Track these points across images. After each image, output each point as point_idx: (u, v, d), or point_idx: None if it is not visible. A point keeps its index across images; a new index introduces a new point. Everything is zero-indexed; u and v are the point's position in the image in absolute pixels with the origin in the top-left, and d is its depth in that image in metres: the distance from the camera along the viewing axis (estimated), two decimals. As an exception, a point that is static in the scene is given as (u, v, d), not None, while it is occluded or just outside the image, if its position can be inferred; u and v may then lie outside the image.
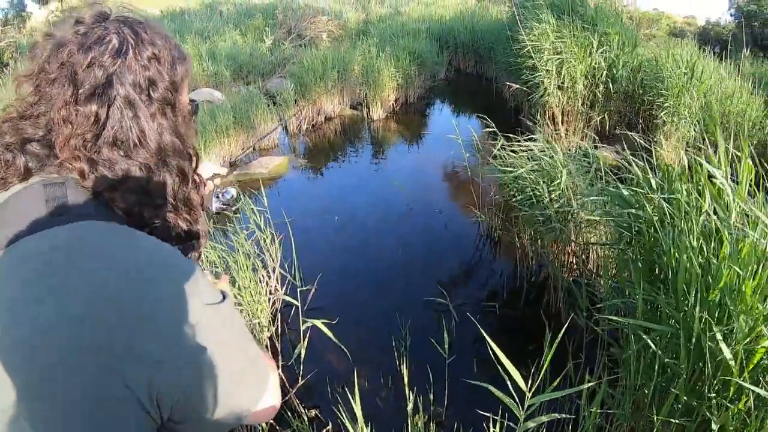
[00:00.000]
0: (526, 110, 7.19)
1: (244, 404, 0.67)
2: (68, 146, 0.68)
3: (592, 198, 2.94)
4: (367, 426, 1.80)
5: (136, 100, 0.70)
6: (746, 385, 1.50)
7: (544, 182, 3.40)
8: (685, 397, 1.72)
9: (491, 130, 4.09)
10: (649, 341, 1.83)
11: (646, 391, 1.93)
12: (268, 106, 7.33)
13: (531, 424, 1.61)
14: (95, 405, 0.54)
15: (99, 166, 0.68)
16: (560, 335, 1.55)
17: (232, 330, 0.67)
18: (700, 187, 2.19)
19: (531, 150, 3.72)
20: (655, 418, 1.79)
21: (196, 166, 0.82)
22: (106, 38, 0.70)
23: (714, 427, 1.63)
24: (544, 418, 1.63)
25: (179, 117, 0.78)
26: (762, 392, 1.46)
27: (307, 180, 6.37)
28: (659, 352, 1.80)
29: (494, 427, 1.78)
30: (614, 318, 2.18)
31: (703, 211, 2.04)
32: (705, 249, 1.92)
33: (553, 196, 3.33)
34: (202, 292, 0.64)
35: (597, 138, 5.90)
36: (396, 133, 8.15)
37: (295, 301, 2.75)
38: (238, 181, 6.12)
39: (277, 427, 2.48)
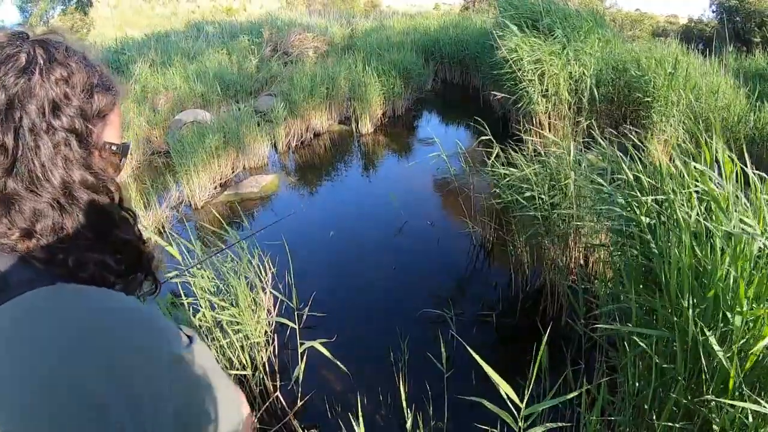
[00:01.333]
0: (514, 118, 7.23)
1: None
2: None
3: (596, 207, 2.94)
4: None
5: (37, 127, 0.62)
6: (737, 403, 1.49)
7: (548, 184, 3.39)
8: (684, 401, 1.71)
9: (483, 138, 4.10)
10: (645, 347, 1.82)
11: (646, 395, 1.92)
12: (258, 124, 7.33)
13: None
14: None
15: (11, 208, 0.62)
16: (544, 345, 1.54)
17: (203, 371, 0.65)
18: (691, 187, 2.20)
19: (537, 153, 3.72)
20: (656, 423, 1.78)
21: (121, 201, 0.73)
22: (14, 56, 0.63)
23: (715, 428, 1.62)
24: (543, 429, 1.62)
25: (93, 151, 0.69)
26: (753, 407, 1.45)
27: (298, 197, 6.37)
28: (656, 357, 1.79)
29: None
30: (609, 326, 2.18)
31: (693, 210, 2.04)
32: (697, 250, 1.92)
33: (555, 199, 3.32)
34: (169, 343, 0.62)
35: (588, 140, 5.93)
36: (385, 146, 8.18)
37: (293, 324, 2.73)
38: (229, 201, 6.11)
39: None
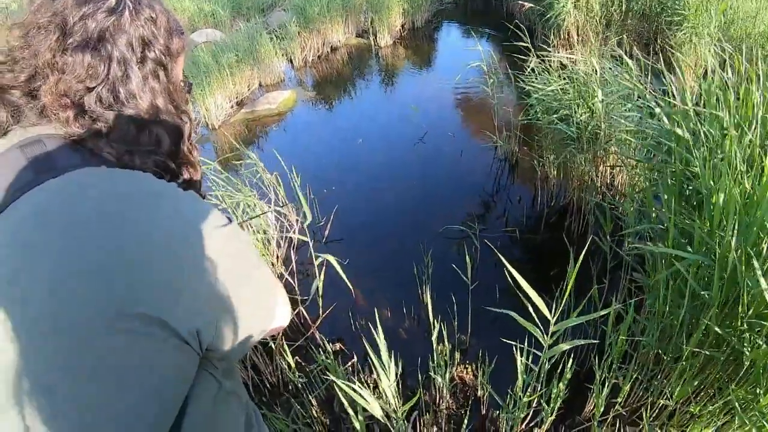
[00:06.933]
0: (540, 31, 6.87)
1: (261, 325, 0.72)
2: (54, 93, 0.67)
3: (627, 115, 2.79)
4: (391, 356, 1.79)
5: (128, 60, 0.70)
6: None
7: (576, 102, 3.21)
8: (716, 329, 1.65)
9: (508, 51, 3.90)
10: (682, 270, 1.75)
11: (674, 318, 1.87)
12: (271, 40, 7.09)
13: (555, 352, 1.59)
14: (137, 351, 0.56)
15: (86, 115, 0.68)
16: (581, 258, 1.49)
17: (243, 251, 0.70)
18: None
19: (564, 67, 3.51)
20: (684, 347, 1.74)
21: (191, 132, 0.81)
22: None
23: (745, 360, 1.58)
24: (567, 346, 1.59)
25: (172, 85, 0.77)
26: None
27: (316, 112, 6.24)
28: (691, 281, 1.72)
29: (520, 355, 1.76)
30: (644, 246, 2.10)
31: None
32: (745, 175, 1.81)
33: (583, 116, 3.16)
34: (211, 218, 0.66)
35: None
36: (404, 59, 7.89)
37: (305, 238, 2.70)
38: (246, 119, 6.01)
39: (303, 363, 2.50)
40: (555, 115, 3.32)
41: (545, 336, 1.54)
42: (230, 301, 0.64)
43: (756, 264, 1.49)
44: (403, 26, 8.87)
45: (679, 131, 2.10)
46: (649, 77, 2.84)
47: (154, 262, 0.58)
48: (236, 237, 0.69)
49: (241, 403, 0.78)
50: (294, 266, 3.12)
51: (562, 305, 1.46)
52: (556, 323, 1.50)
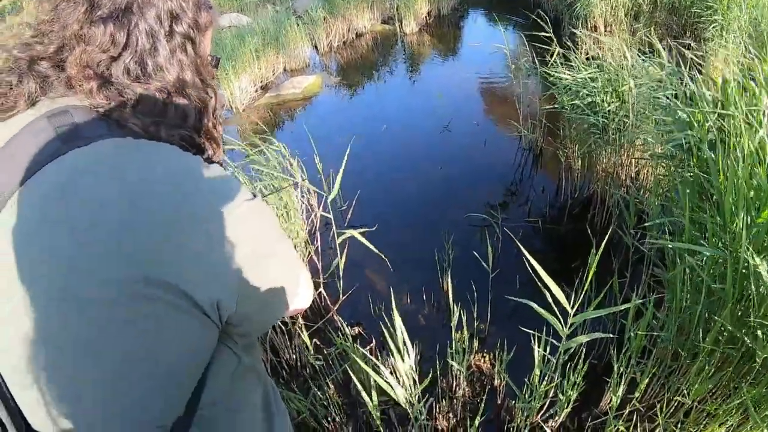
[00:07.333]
0: (567, 21, 6.77)
1: (282, 302, 0.74)
2: (78, 64, 0.67)
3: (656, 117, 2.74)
4: (411, 342, 1.80)
5: (156, 33, 0.70)
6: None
7: (606, 90, 3.16)
8: (729, 326, 1.63)
9: (537, 38, 3.85)
10: (694, 264, 1.73)
11: (692, 314, 1.85)
12: (297, 25, 7.10)
13: (573, 343, 1.59)
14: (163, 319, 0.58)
15: (111, 86, 0.67)
16: (601, 250, 1.48)
17: (267, 227, 0.72)
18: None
19: (593, 57, 3.45)
20: (701, 345, 1.72)
21: (215, 107, 0.81)
22: None
23: (758, 358, 1.55)
24: (585, 338, 1.59)
25: (200, 59, 0.77)
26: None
27: (341, 97, 6.25)
28: (704, 276, 1.69)
29: (538, 345, 1.76)
30: (659, 242, 2.08)
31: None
32: (759, 169, 1.77)
33: (612, 107, 3.11)
34: (236, 193, 0.66)
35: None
36: (430, 46, 7.84)
37: (328, 215, 2.72)
38: (270, 103, 6.04)
39: (321, 345, 2.53)
40: (580, 102, 3.28)
41: (564, 327, 1.54)
42: (251, 274, 0.65)
43: (758, 261, 1.47)
44: (428, 13, 8.81)
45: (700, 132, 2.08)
46: (685, 79, 2.79)
47: (175, 235, 0.59)
48: (260, 212, 0.70)
49: (259, 379, 0.80)
50: (318, 247, 3.14)
51: (582, 297, 1.45)
52: (575, 315, 1.50)
